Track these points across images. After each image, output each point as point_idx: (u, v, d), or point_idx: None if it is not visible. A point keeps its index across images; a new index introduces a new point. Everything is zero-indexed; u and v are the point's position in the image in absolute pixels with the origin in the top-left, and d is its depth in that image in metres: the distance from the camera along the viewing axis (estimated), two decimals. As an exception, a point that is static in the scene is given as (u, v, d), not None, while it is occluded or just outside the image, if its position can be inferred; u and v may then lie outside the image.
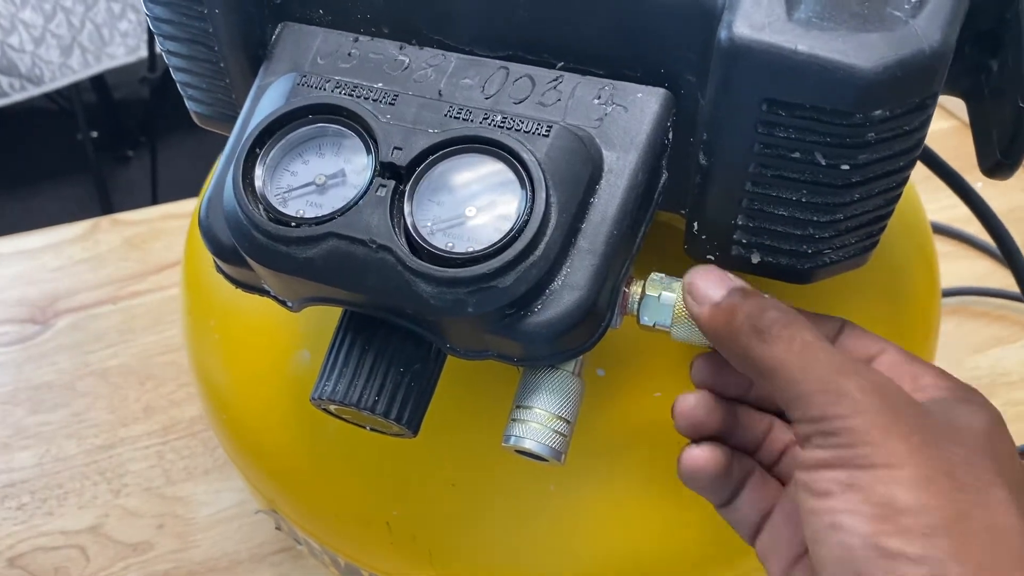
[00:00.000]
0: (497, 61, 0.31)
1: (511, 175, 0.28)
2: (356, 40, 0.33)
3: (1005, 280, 0.67)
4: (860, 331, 0.31)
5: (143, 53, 1.68)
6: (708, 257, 0.32)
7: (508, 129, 0.29)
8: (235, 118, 0.36)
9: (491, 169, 0.28)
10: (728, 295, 0.28)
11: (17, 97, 1.59)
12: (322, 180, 0.29)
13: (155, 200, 1.75)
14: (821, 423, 0.25)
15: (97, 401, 0.61)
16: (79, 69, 1.65)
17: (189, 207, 0.74)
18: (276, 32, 0.33)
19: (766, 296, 0.29)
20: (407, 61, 0.32)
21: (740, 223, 0.30)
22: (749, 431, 0.32)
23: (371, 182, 0.28)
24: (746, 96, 0.27)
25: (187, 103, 0.38)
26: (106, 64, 1.67)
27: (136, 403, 0.61)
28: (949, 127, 0.79)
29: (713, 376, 0.31)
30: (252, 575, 0.52)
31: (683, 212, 0.33)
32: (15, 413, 0.61)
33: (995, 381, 0.61)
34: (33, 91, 1.62)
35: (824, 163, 0.28)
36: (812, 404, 0.26)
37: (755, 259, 0.31)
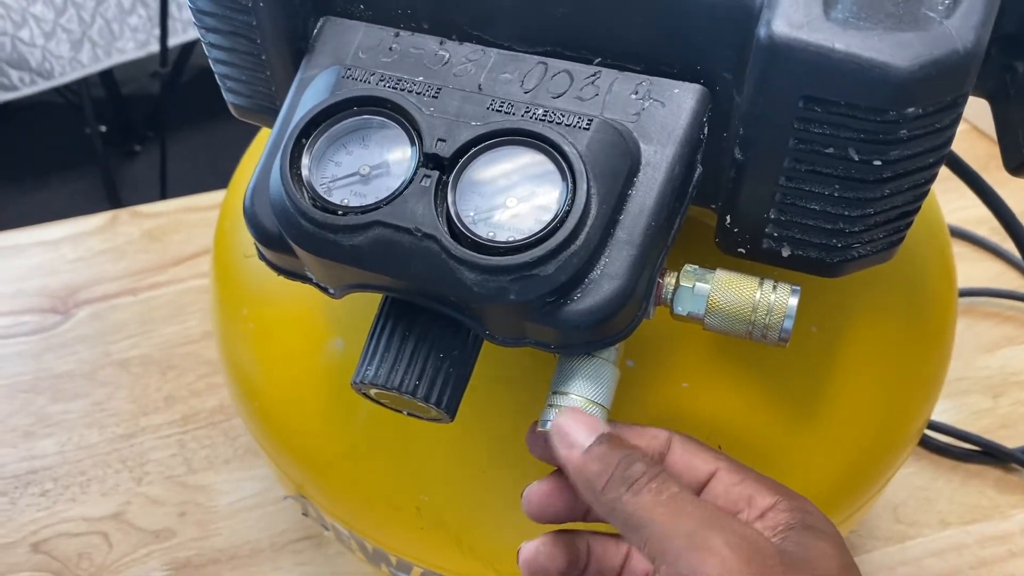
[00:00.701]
0: (535, 57, 0.32)
1: (552, 167, 0.29)
2: (397, 35, 0.33)
3: (1015, 281, 0.68)
4: (691, 446, 0.31)
5: (153, 48, 1.69)
6: (739, 250, 0.33)
7: (550, 122, 0.30)
8: (273, 110, 0.37)
9: (532, 161, 0.29)
10: (597, 442, 0.28)
11: (27, 91, 1.59)
12: (367, 170, 0.30)
13: (163, 195, 1.76)
14: None
15: (118, 391, 0.62)
16: (89, 64, 1.66)
17: (208, 200, 0.75)
18: (318, 26, 0.34)
19: (634, 448, 0.29)
20: (447, 56, 0.33)
21: (772, 217, 0.31)
22: (605, 562, 0.32)
23: (415, 172, 0.29)
24: (783, 93, 0.28)
25: (225, 95, 0.38)
26: (116, 59, 1.67)
27: (157, 393, 0.62)
28: (960, 131, 0.80)
29: (559, 504, 0.31)
30: (273, 563, 0.53)
31: (715, 207, 0.33)
32: (37, 401, 0.62)
33: (1005, 380, 0.62)
34: (43, 85, 1.63)
35: (857, 158, 0.28)
36: (680, 561, 0.26)
37: (785, 252, 0.32)
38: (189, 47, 1.76)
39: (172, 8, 1.67)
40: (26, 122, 1.84)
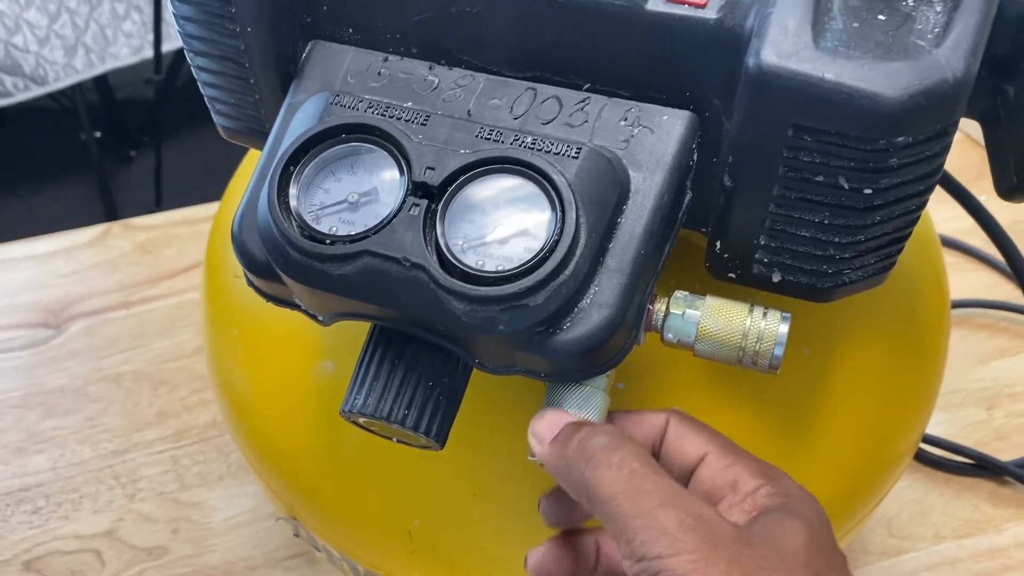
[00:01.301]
0: (524, 82, 0.32)
1: (541, 195, 0.29)
2: (385, 60, 0.33)
3: (1009, 292, 0.68)
4: (685, 427, 0.31)
5: (147, 54, 1.68)
6: (729, 275, 0.33)
7: (538, 150, 0.29)
8: (262, 132, 0.37)
9: (521, 189, 0.29)
10: (563, 429, 0.29)
11: (21, 97, 1.59)
12: (355, 198, 0.30)
13: (159, 201, 1.76)
14: (644, 562, 0.26)
15: (110, 406, 0.62)
16: (83, 69, 1.65)
17: (200, 213, 0.75)
18: (307, 50, 0.34)
19: (599, 425, 0.29)
20: (436, 81, 0.32)
21: (762, 243, 0.31)
22: (615, 559, 0.32)
23: (404, 201, 0.29)
24: (773, 121, 0.28)
25: (214, 117, 0.38)
26: (110, 64, 1.67)
27: (149, 408, 0.62)
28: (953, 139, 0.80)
29: (565, 510, 0.32)
30: (266, 580, 0.53)
31: (705, 230, 0.33)
32: (28, 417, 0.61)
33: (999, 393, 0.62)
34: (37, 91, 1.62)
35: (847, 187, 0.28)
36: (636, 540, 0.26)
37: (776, 278, 0.32)
38: (183, 52, 1.75)
39: (166, 14, 1.67)
40: (20, 128, 1.84)
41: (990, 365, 0.64)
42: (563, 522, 0.33)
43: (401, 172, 0.30)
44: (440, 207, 0.29)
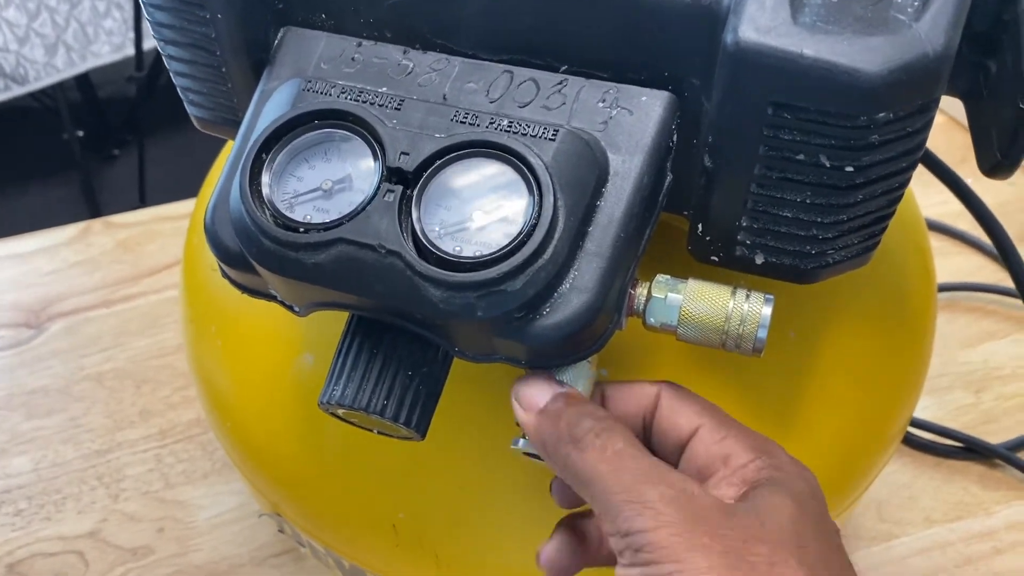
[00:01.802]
0: (501, 65, 0.31)
1: (518, 179, 0.28)
2: (359, 45, 0.33)
3: (995, 275, 0.68)
4: (678, 400, 0.30)
5: (129, 51, 1.67)
6: (712, 258, 0.33)
7: (515, 133, 0.29)
8: (236, 122, 0.37)
9: (498, 173, 0.29)
10: (552, 401, 0.29)
11: (1, 97, 1.57)
12: (328, 185, 0.29)
13: (143, 199, 1.74)
14: (628, 537, 0.26)
15: (93, 406, 0.61)
16: (64, 68, 1.64)
17: (181, 209, 0.74)
18: (279, 37, 0.33)
19: (588, 404, 0.29)
20: (411, 66, 0.32)
21: (744, 224, 0.31)
22: None
23: (379, 187, 0.28)
24: (752, 99, 0.27)
25: (187, 107, 0.38)
26: (91, 63, 1.66)
27: (132, 407, 0.61)
28: (938, 123, 0.80)
29: (575, 493, 0.31)
30: (253, 578, 0.52)
31: (686, 213, 0.33)
32: (10, 418, 0.61)
33: (987, 375, 0.62)
34: (17, 91, 1.61)
35: (828, 165, 0.28)
36: (619, 517, 0.26)
37: (759, 260, 0.32)
38: (165, 50, 1.74)
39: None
40: (2, 128, 1.82)
41: (977, 348, 0.64)
42: (575, 503, 0.32)
43: (375, 158, 0.29)
44: (415, 193, 0.28)
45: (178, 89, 0.37)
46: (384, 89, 0.31)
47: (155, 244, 0.71)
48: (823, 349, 0.39)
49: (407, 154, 0.29)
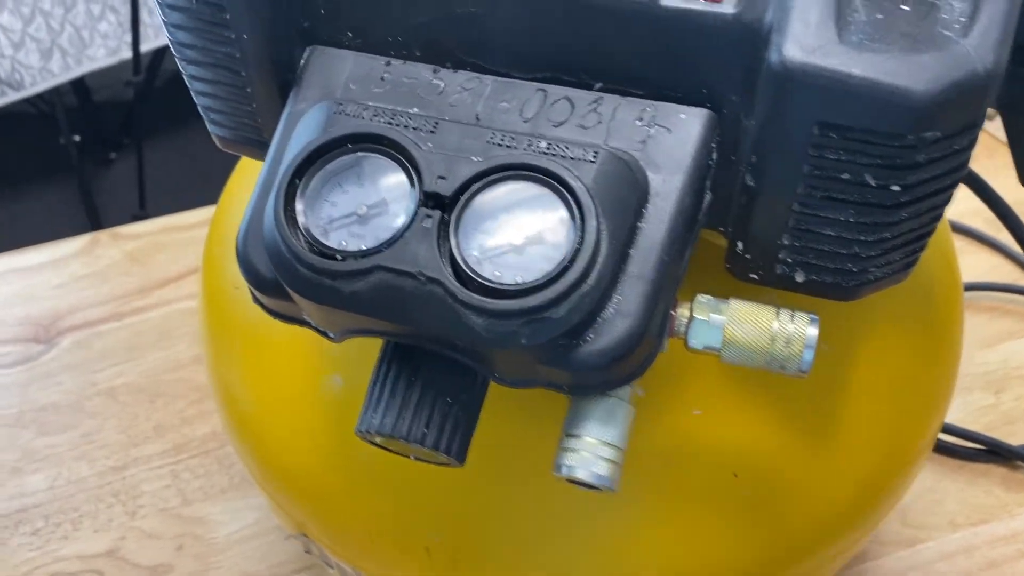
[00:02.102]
0: (533, 83, 0.31)
1: (558, 202, 0.28)
2: (388, 64, 0.32)
3: (1013, 274, 0.67)
4: None
5: (125, 54, 1.66)
6: (752, 276, 0.32)
7: (553, 155, 0.28)
8: (260, 142, 0.36)
9: (537, 196, 0.28)
10: None
11: (-3, 103, 1.56)
12: (364, 210, 0.29)
13: (142, 202, 1.73)
14: None
15: (107, 421, 0.61)
16: (59, 73, 1.63)
17: (189, 219, 0.73)
18: (305, 56, 0.33)
19: None
20: (442, 85, 0.31)
21: (786, 243, 0.30)
22: None
23: (416, 212, 0.28)
24: (797, 119, 0.27)
25: (209, 126, 0.37)
26: (87, 67, 1.65)
27: (147, 422, 0.60)
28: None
29: None
30: (275, 594, 0.52)
31: (724, 230, 0.32)
32: (23, 436, 0.60)
33: (1007, 375, 0.62)
34: (13, 96, 1.60)
35: (874, 184, 0.27)
36: None
37: (800, 278, 0.31)
38: (161, 52, 1.73)
39: (143, 13, 1.64)
40: (-2, 134, 1.81)
41: (996, 348, 0.63)
42: None
43: (411, 182, 0.28)
44: (454, 217, 0.28)
45: (199, 108, 0.36)
46: (415, 110, 0.31)
47: (164, 255, 0.70)
48: (855, 360, 0.38)
49: (444, 178, 0.28)
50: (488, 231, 0.28)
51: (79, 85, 1.77)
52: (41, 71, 1.60)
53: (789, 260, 0.31)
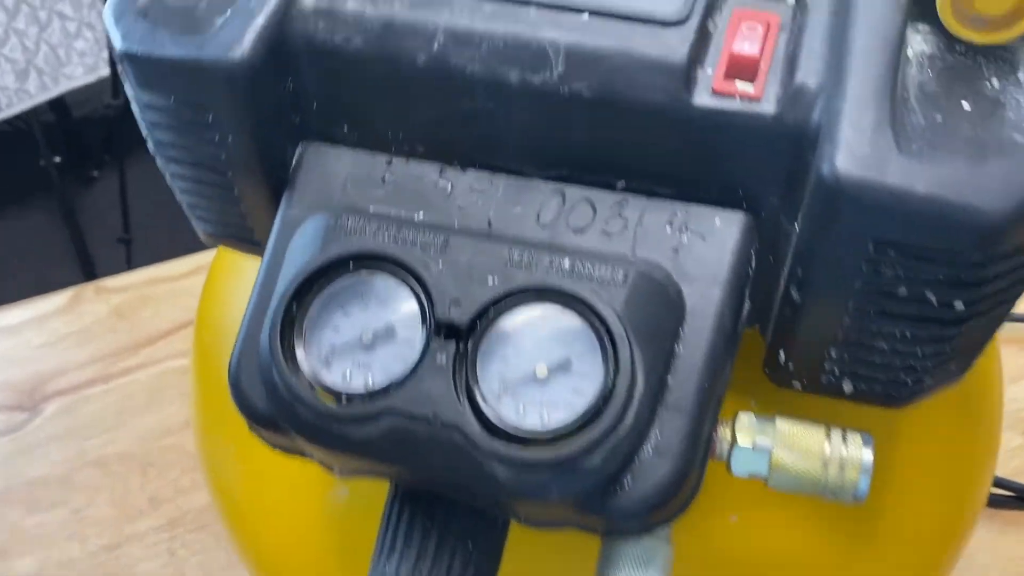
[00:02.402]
0: (550, 184, 0.28)
1: (586, 327, 0.25)
2: (389, 163, 0.29)
3: (1034, 303, 0.65)
4: None
5: (103, 72, 1.62)
6: (794, 383, 0.29)
7: (578, 275, 0.26)
8: (249, 240, 0.33)
9: (563, 321, 0.25)
10: None
11: (-27, 126, 1.52)
12: (369, 338, 0.26)
13: (125, 223, 1.69)
14: None
15: (97, 495, 0.58)
16: (36, 93, 1.59)
17: (176, 269, 0.70)
18: (297, 153, 0.30)
19: None
20: (449, 187, 0.29)
21: (834, 355, 0.28)
22: None
23: (428, 345, 0.25)
24: (851, 235, 0.24)
25: (193, 222, 0.34)
26: (64, 86, 1.60)
27: (140, 494, 0.58)
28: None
29: None
30: None
31: (759, 327, 0.30)
32: (10, 515, 0.57)
33: (1035, 414, 0.59)
34: (-11, 119, 1.55)
35: (935, 302, 0.25)
36: None
37: (847, 388, 0.29)
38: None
39: (120, 28, 1.60)
40: (-24, 157, 1.77)
41: (1021, 383, 0.61)
42: None
43: (422, 309, 0.26)
44: (471, 349, 0.25)
45: (182, 205, 0.33)
46: (422, 215, 0.28)
47: (150, 310, 0.67)
48: (898, 445, 0.36)
49: (458, 303, 0.25)
50: (508, 360, 0.25)
51: (57, 104, 1.72)
52: (18, 92, 1.55)
53: (836, 371, 0.28)
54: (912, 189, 0.23)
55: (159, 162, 0.32)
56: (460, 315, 0.25)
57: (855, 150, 0.23)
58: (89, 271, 1.57)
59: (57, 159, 1.65)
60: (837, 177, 0.23)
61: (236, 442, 0.39)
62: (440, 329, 0.25)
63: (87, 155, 1.80)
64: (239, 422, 0.39)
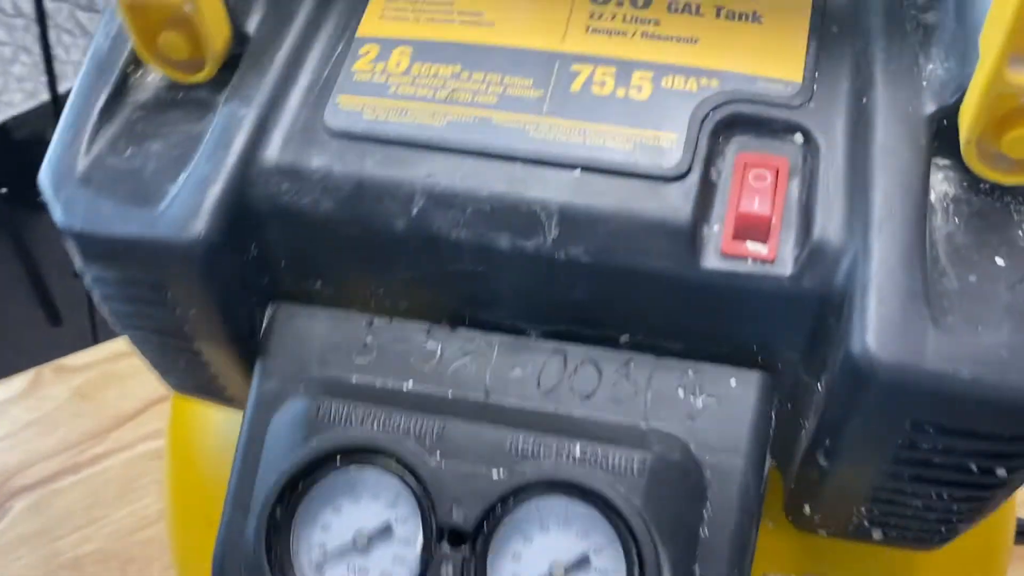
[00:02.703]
0: (549, 342, 0.26)
1: (602, 520, 0.23)
2: (370, 324, 0.27)
3: None
4: None
5: (44, 96, 1.56)
6: (819, 531, 0.28)
7: (592, 463, 0.23)
8: (220, 395, 0.31)
9: (576, 510, 0.23)
10: None
11: (-89, 163, 1.46)
12: (364, 540, 0.24)
13: (81, 251, 1.64)
14: None
15: (76, 600, 0.55)
16: (-25, 123, 1.52)
17: (140, 340, 0.67)
18: (268, 315, 0.27)
19: None
20: (438, 350, 0.26)
21: (863, 511, 0.26)
22: None
23: (431, 554, 0.23)
24: (886, 415, 0.22)
25: (160, 377, 0.31)
26: (5, 114, 1.54)
27: (120, 595, 0.55)
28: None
29: None
30: None
31: (776, 465, 0.28)
32: (-16, 629, 0.54)
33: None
34: (-72, 154, 1.49)
35: (976, 470, 0.23)
36: None
37: (877, 536, 0.27)
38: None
39: (58, 50, 1.54)
40: (-85, 193, 1.70)
41: None
42: None
43: (422, 512, 0.23)
44: (478, 554, 0.23)
45: (146, 364, 0.31)
46: (411, 383, 0.26)
47: (114, 390, 0.64)
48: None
49: (460, 503, 0.23)
50: (521, 559, 0.23)
51: (-2, 130, 1.66)
52: (-45, 124, 1.49)
53: (866, 523, 0.26)
54: (953, 373, 0.21)
55: (116, 327, 0.29)
56: (463, 518, 0.23)
57: (888, 327, 0.21)
58: (52, 312, 1.51)
59: (3, 190, 1.59)
60: (871, 360, 0.21)
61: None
62: (443, 534, 0.23)
63: (34, 183, 1.74)
64: (215, 514, 0.37)
